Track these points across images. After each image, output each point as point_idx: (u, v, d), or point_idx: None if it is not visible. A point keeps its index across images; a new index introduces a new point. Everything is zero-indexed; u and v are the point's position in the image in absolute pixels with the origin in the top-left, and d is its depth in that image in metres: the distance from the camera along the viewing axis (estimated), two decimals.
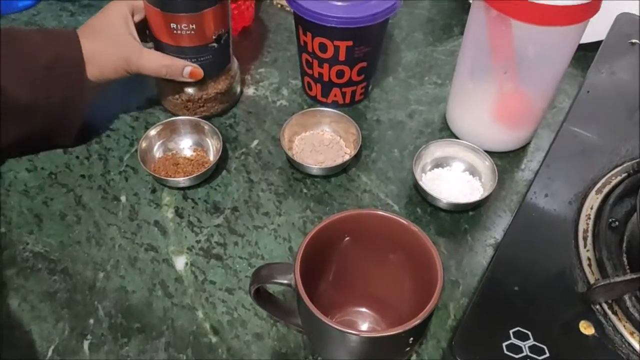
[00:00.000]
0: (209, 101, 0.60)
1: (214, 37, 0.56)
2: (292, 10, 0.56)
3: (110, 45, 0.54)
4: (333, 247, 0.41)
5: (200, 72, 0.57)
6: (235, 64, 0.62)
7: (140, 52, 0.55)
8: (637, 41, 0.55)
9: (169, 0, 0.53)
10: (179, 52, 0.56)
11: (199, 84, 0.59)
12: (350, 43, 0.55)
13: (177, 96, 0.59)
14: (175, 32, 0.54)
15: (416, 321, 0.34)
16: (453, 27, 0.73)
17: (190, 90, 0.59)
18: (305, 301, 0.35)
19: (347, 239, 0.40)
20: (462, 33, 0.72)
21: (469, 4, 0.72)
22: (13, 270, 0.49)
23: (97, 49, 0.53)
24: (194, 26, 0.54)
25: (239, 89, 0.64)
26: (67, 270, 0.49)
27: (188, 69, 0.56)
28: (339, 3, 0.53)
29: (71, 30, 0.54)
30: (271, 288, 0.45)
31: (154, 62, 0.55)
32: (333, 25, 0.53)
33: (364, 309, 0.45)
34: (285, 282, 0.39)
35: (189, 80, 0.57)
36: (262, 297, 0.42)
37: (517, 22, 0.48)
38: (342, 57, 0.57)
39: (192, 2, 0.53)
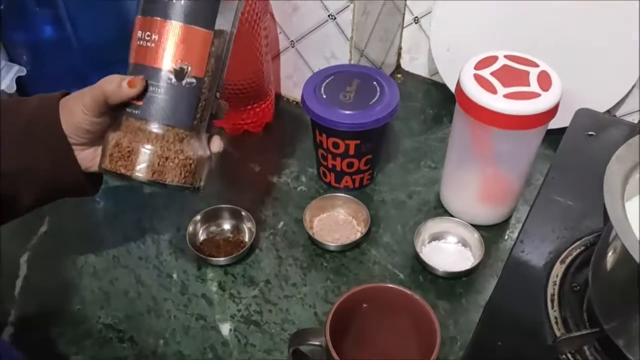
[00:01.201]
0: (169, 163, 0.48)
1: (174, 67, 0.47)
2: None
3: (69, 100, 0.51)
4: (354, 313, 0.51)
5: (138, 79, 0.47)
6: (205, 150, 0.52)
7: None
8: (593, 133, 0.67)
9: (148, 2, 0.48)
10: (133, 70, 0.49)
11: (153, 135, 0.48)
12: (358, 142, 0.67)
13: (107, 141, 0.50)
14: (139, 41, 0.48)
15: None
16: (442, 116, 0.86)
17: (119, 134, 0.49)
18: (335, 358, 0.46)
19: (365, 306, 0.51)
20: (450, 122, 0.85)
21: (454, 96, 0.85)
22: (89, 341, 0.59)
23: (72, 96, 0.51)
24: (156, 37, 0.47)
25: (198, 179, 0.51)
26: (133, 339, 0.60)
27: (125, 79, 0.48)
28: (348, 112, 0.66)
29: (56, 94, 0.52)
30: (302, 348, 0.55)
31: (96, 84, 0.49)
32: (344, 129, 0.65)
33: None
34: (317, 343, 0.50)
35: (128, 92, 0.47)
36: (297, 356, 0.53)
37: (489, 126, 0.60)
38: (351, 152, 0.69)
39: (171, 8, 0.47)
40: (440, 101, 0.89)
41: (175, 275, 0.65)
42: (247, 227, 0.68)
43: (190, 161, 0.50)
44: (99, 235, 0.70)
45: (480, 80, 0.59)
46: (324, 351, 0.49)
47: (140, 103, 0.48)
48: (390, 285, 0.50)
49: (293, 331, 0.60)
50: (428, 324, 0.48)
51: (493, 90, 0.58)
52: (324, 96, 0.68)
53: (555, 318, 0.50)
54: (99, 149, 0.53)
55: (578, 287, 0.53)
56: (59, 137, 0.50)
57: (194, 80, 0.48)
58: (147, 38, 0.47)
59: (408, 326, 0.50)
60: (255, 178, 0.77)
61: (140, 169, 0.48)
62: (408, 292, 0.49)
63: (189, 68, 0.48)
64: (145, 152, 0.48)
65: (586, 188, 0.62)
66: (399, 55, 0.93)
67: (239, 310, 0.62)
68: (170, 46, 0.47)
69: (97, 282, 0.65)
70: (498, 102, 0.57)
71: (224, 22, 0.49)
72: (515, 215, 0.71)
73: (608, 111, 0.78)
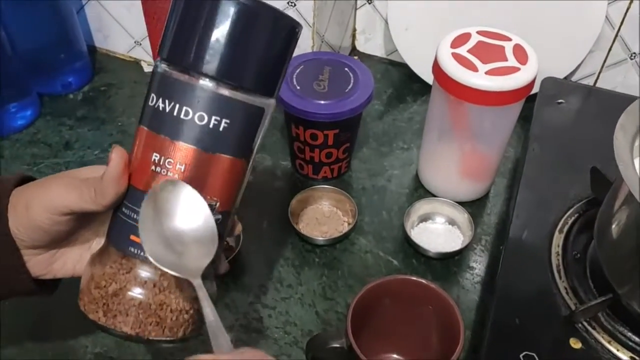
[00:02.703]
0: (146, 310, 0.38)
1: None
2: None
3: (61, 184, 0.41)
4: (371, 308, 0.50)
5: (120, 152, 0.39)
6: (214, 284, 0.43)
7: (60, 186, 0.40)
8: (562, 101, 0.69)
9: (173, 119, 0.38)
10: (141, 199, 0.38)
11: (150, 281, 0.39)
12: (337, 131, 0.66)
13: (96, 283, 0.39)
14: (155, 167, 0.38)
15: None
16: (405, 96, 0.85)
17: (119, 279, 0.39)
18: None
19: (385, 298, 0.50)
20: (414, 101, 0.85)
21: (414, 74, 0.85)
22: None
23: (34, 185, 0.41)
24: (182, 167, 0.38)
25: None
26: None
27: (91, 190, 0.39)
28: (325, 101, 0.64)
29: (10, 181, 0.42)
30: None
31: (72, 185, 0.40)
32: (322, 120, 0.63)
33: (394, 355, 0.55)
34: (338, 345, 0.48)
35: (108, 199, 0.38)
36: None
37: (471, 104, 0.60)
38: (330, 142, 0.67)
39: (205, 134, 0.38)
40: (401, 80, 0.88)
41: None
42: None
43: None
44: None
45: (459, 58, 0.59)
46: (345, 352, 0.48)
47: (139, 240, 0.38)
48: (407, 277, 0.49)
49: (297, 333, 0.58)
50: (449, 314, 0.47)
51: (474, 68, 0.58)
52: (298, 87, 0.65)
53: (565, 288, 0.51)
54: (57, 254, 0.44)
55: (579, 255, 0.54)
56: (5, 241, 0.41)
57: (220, 217, 0.40)
58: (167, 165, 0.38)
59: (428, 317, 0.50)
60: None
61: (149, 328, 0.38)
62: (425, 282, 0.49)
63: (217, 204, 0.39)
64: (155, 306, 0.38)
65: (568, 156, 0.64)
66: (354, 37, 0.92)
67: (237, 319, 0.59)
68: (198, 180, 0.38)
69: (76, 309, 0.60)
70: (481, 79, 0.57)
71: (258, 140, 0.41)
72: (493, 188, 0.72)
73: (565, 77, 0.80)
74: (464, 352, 0.57)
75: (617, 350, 0.47)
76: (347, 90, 0.65)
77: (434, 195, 0.70)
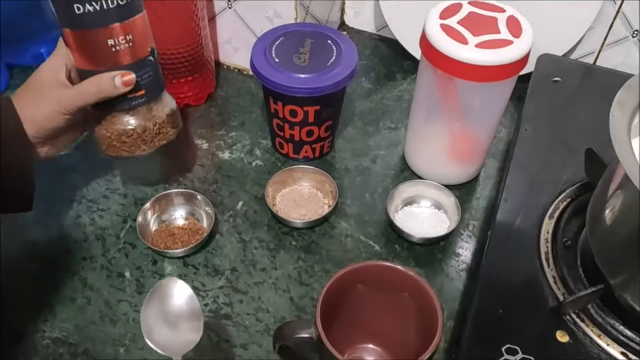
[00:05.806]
0: (163, 126, 0.57)
1: (149, 50, 0.54)
2: (249, 74, 0.61)
3: (36, 95, 0.52)
4: (343, 295, 0.46)
5: (132, 77, 0.52)
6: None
7: (69, 88, 0.52)
8: (559, 79, 0.65)
9: (103, 14, 0.50)
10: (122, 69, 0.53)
11: (145, 112, 0.56)
12: (317, 108, 0.62)
13: (129, 129, 0.55)
14: (113, 48, 0.51)
15: (427, 355, 0.41)
16: (395, 73, 0.81)
17: (137, 120, 0.56)
18: (333, 354, 0.41)
19: (359, 286, 0.46)
20: (404, 79, 0.81)
21: (405, 50, 0.81)
22: (36, 359, 0.52)
23: (25, 104, 0.51)
24: (130, 37, 0.52)
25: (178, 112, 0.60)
26: (88, 351, 0.52)
27: (118, 77, 0.52)
28: (305, 75, 0.60)
29: (4, 97, 0.52)
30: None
31: (84, 87, 0.52)
32: (302, 95, 0.59)
33: (370, 345, 0.51)
34: (307, 336, 0.45)
35: (124, 89, 0.52)
36: (283, 351, 0.48)
37: (460, 79, 0.56)
38: (311, 119, 0.63)
39: (124, 8, 0.51)
40: (390, 57, 0.84)
41: (127, 274, 0.58)
42: (205, 211, 0.61)
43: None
44: (29, 235, 0.61)
45: (448, 30, 0.55)
46: (314, 343, 0.44)
47: (142, 93, 0.54)
48: (380, 263, 0.46)
49: (270, 321, 0.55)
50: (427, 301, 0.44)
51: (463, 41, 0.54)
52: (276, 60, 0.61)
53: (554, 277, 0.48)
54: (44, 149, 0.54)
55: (569, 242, 0.50)
56: (24, 144, 0.51)
57: (155, 52, 0.55)
58: (122, 41, 0.51)
59: (405, 305, 0.46)
60: (204, 156, 0.70)
61: (171, 134, 0.59)
62: (400, 267, 0.45)
63: (153, 44, 0.55)
64: (166, 121, 0.57)
65: (562, 137, 0.60)
66: (343, 10, 0.87)
67: (206, 305, 0.56)
68: (144, 36, 0.53)
69: (36, 291, 0.56)
70: (470, 52, 0.53)
71: None
72: (483, 171, 0.68)
73: (563, 55, 0.76)
74: (446, 344, 0.54)
75: (607, 344, 0.44)
76: (328, 64, 0.61)
77: (421, 178, 0.67)
